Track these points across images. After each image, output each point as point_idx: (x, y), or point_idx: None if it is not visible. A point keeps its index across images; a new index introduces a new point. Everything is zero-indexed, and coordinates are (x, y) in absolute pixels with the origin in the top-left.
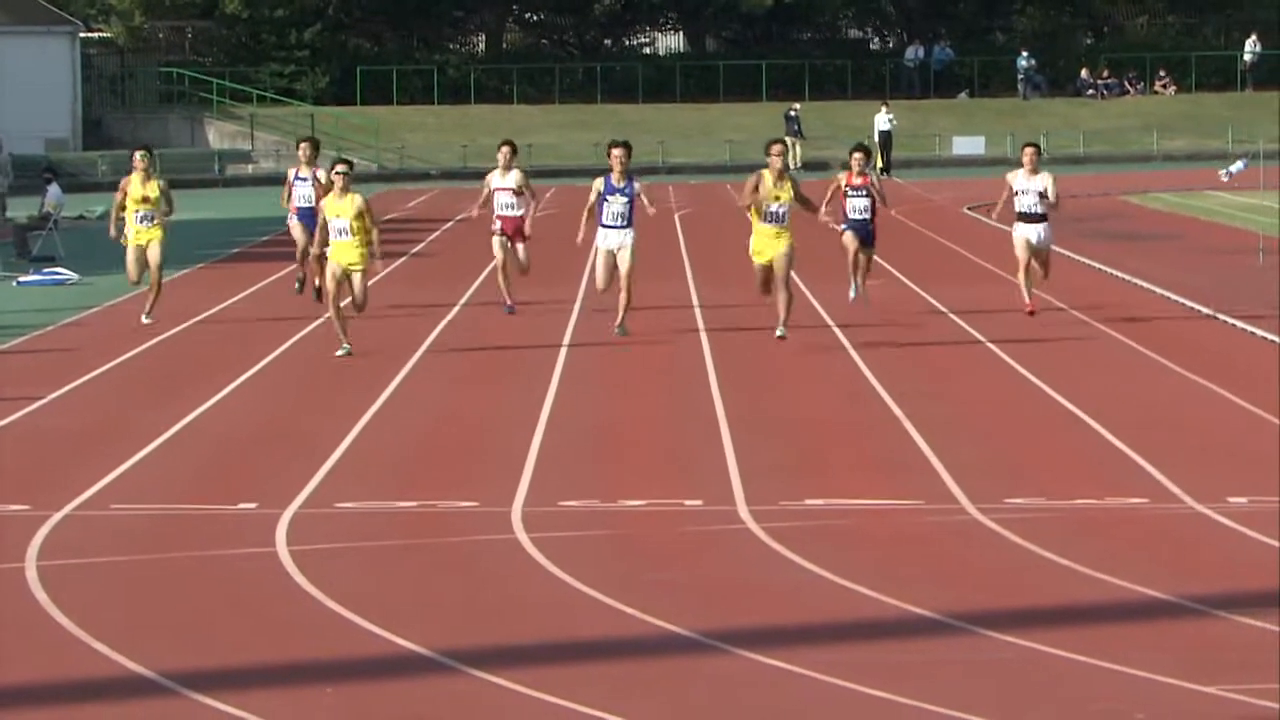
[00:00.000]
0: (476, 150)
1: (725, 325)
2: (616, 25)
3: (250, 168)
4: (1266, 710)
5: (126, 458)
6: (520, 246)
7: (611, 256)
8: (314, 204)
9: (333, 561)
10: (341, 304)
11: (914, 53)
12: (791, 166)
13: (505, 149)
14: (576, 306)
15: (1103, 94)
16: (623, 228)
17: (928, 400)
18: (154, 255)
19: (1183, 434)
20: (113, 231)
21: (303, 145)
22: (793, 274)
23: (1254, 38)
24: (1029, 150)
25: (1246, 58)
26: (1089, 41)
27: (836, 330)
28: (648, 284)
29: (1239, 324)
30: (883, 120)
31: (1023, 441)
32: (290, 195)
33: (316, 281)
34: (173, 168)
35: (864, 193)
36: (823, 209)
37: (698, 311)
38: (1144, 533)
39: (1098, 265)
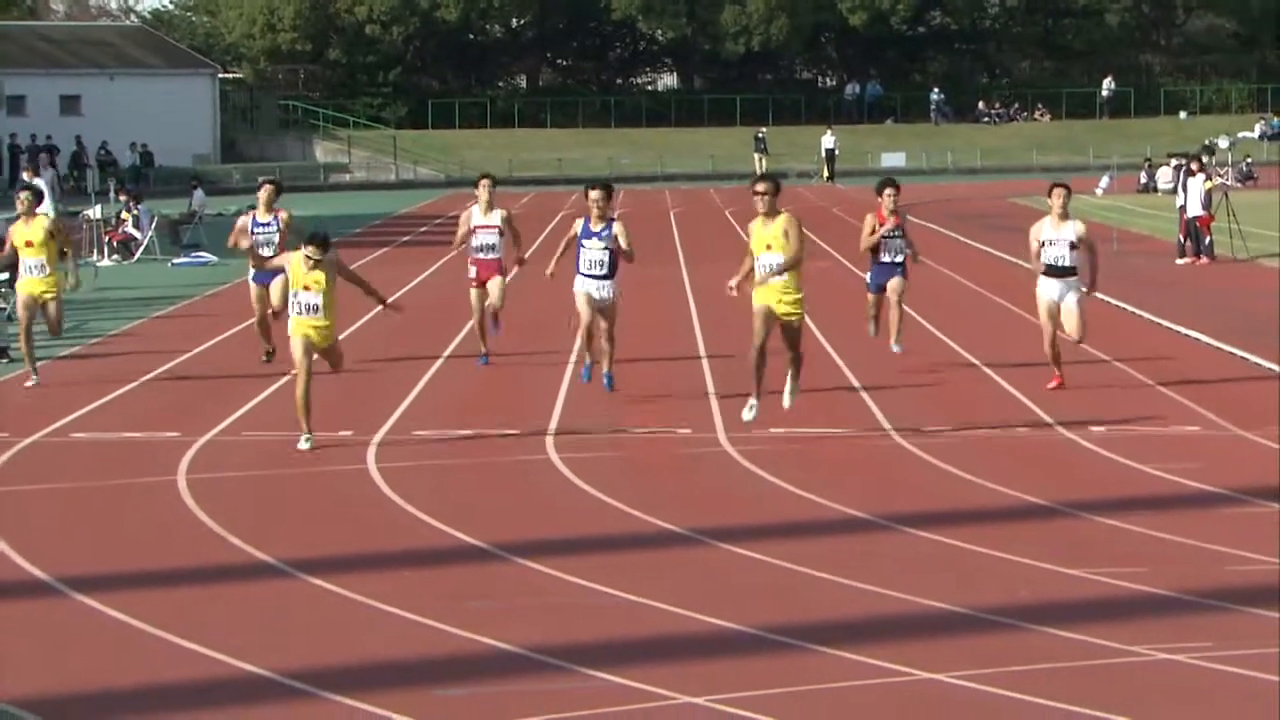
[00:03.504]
0: (519, 163)
1: (709, 295)
2: (626, 68)
3: (347, 176)
4: (1121, 588)
5: (253, 396)
6: (496, 280)
7: (592, 300)
8: (277, 253)
9: (410, 475)
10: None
11: (852, 89)
12: (758, 174)
13: (485, 182)
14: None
15: (995, 120)
16: (601, 277)
17: (866, 354)
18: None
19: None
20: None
21: (266, 187)
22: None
23: (1110, 78)
24: (1058, 192)
25: (1104, 93)
26: (984, 80)
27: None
28: (647, 267)
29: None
30: (828, 140)
31: (940, 383)
32: (247, 243)
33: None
34: (288, 177)
35: (898, 234)
36: (864, 244)
37: (687, 285)
38: (1027, 453)
39: (987, 249)
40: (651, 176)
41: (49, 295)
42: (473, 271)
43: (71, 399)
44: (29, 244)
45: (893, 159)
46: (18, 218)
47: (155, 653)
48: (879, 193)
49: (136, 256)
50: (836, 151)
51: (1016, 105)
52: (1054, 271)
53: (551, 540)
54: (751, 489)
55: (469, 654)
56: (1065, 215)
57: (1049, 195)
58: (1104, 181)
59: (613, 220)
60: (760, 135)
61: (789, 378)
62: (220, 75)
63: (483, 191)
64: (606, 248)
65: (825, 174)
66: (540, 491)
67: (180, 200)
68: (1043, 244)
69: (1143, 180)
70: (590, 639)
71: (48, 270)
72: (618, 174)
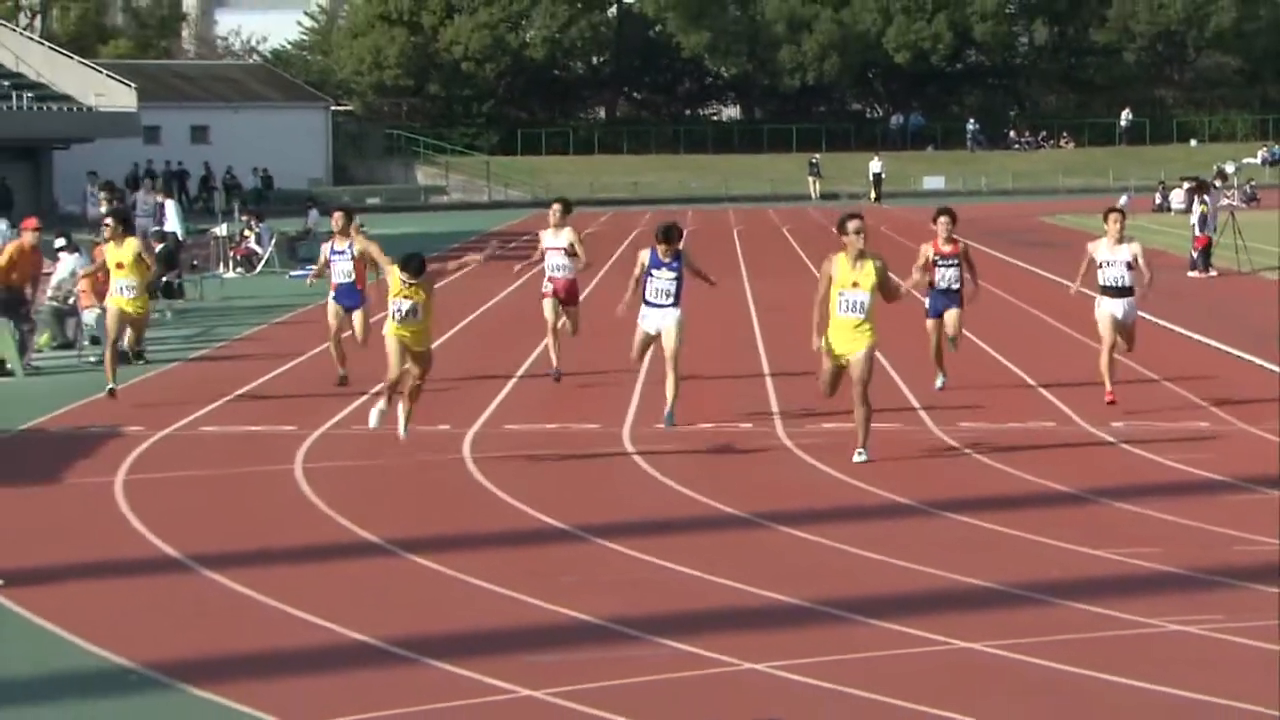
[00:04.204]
0: (599, 186)
1: (770, 306)
2: (694, 100)
3: (445, 198)
4: (1139, 567)
5: (360, 395)
6: (572, 309)
7: (649, 339)
8: (354, 279)
9: (501, 465)
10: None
11: (896, 119)
12: (813, 196)
13: (557, 206)
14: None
15: (1025, 147)
16: (667, 306)
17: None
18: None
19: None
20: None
21: (336, 215)
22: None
23: (1128, 110)
24: (1114, 217)
25: (1122, 123)
26: (1015, 112)
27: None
28: (712, 275)
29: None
30: (875, 165)
31: (973, 379)
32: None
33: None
34: (393, 198)
35: (954, 262)
36: (914, 276)
37: (749, 298)
38: (1055, 446)
39: (1020, 263)
40: (716, 198)
41: (138, 313)
42: (549, 287)
43: (200, 396)
44: (120, 265)
45: (933, 182)
46: (107, 241)
47: (274, 622)
48: (934, 221)
49: (258, 269)
50: (883, 175)
51: (1044, 134)
52: (1113, 291)
53: (627, 523)
54: (807, 478)
55: (555, 624)
56: (1121, 239)
57: (1105, 220)
58: (1122, 200)
59: (681, 256)
60: (814, 161)
61: (862, 431)
62: (332, 108)
63: (551, 215)
64: (676, 278)
65: (873, 195)
66: (617, 480)
67: (297, 219)
68: (1100, 264)
69: (1157, 201)
70: (662, 611)
71: (136, 290)
72: (686, 195)
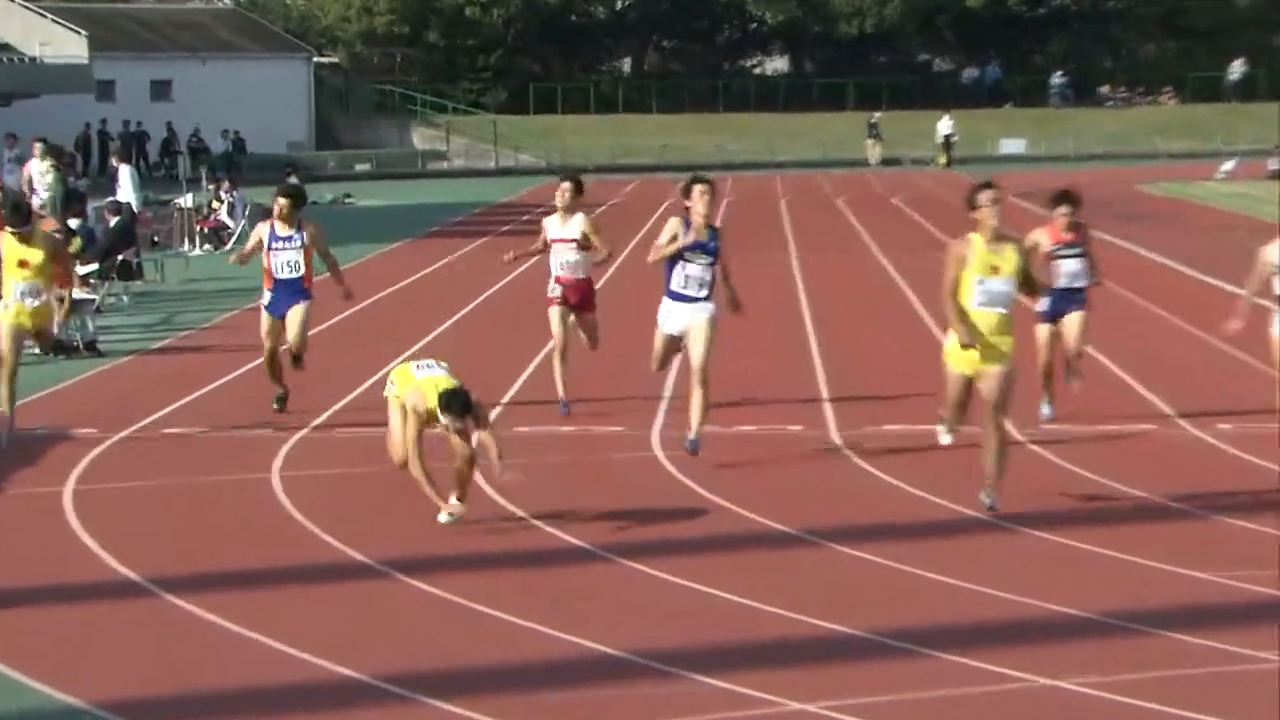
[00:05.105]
0: (623, 149)
1: (821, 286)
2: (734, 50)
3: (446, 164)
4: (1251, 592)
5: (349, 391)
6: (588, 317)
7: (673, 342)
8: (302, 274)
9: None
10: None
11: (969, 72)
12: (871, 162)
13: (566, 186)
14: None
15: (1117, 104)
16: (696, 300)
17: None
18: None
19: (1177, 370)
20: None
21: (280, 201)
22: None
23: (1240, 60)
24: None
25: (1232, 76)
26: (1108, 64)
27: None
28: (756, 251)
29: (1215, 282)
30: (945, 126)
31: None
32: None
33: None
34: (386, 164)
35: (1077, 250)
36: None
37: (798, 278)
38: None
39: (1117, 241)
40: (760, 163)
41: (41, 325)
42: (556, 290)
43: (162, 393)
44: (23, 263)
45: (1012, 145)
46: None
47: (247, 655)
48: (1052, 209)
49: (229, 246)
50: (954, 138)
51: (1140, 88)
52: None
53: (656, 540)
54: (865, 487)
55: (573, 657)
56: None
57: None
58: (1227, 165)
59: (717, 232)
60: (874, 120)
61: (993, 467)
62: (315, 59)
63: (559, 196)
64: (711, 263)
65: (944, 160)
66: (645, 489)
67: (274, 188)
68: (1277, 272)
69: (1272, 167)
70: (698, 642)
71: (42, 298)
72: (725, 161)
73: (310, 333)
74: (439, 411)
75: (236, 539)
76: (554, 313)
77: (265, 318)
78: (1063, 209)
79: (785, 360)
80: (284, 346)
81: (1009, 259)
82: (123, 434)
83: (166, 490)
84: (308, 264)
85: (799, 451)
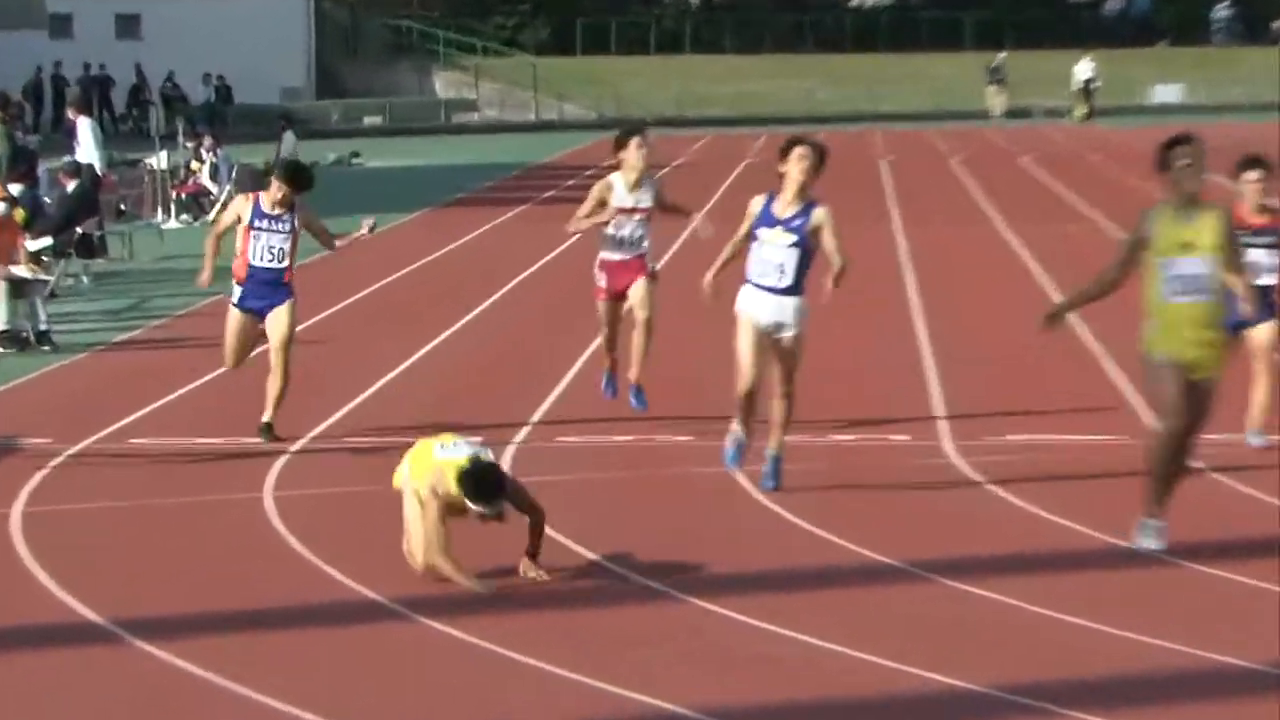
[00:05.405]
0: (689, 98)
1: (932, 267)
2: None
3: (475, 116)
4: None
5: (358, 393)
6: (641, 289)
7: (764, 336)
8: (285, 265)
9: (553, 491)
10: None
11: (1114, 4)
12: (994, 113)
13: (636, 141)
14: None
15: None
16: (784, 293)
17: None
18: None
19: None
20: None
21: (279, 183)
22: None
23: None
24: None
25: None
26: None
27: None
28: (850, 223)
29: None
30: (1084, 69)
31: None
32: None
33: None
34: (402, 116)
35: (1269, 238)
36: None
37: (903, 255)
38: None
39: None
40: (856, 116)
41: None
42: (601, 280)
43: (129, 396)
44: None
45: (1167, 92)
46: None
47: (232, 712)
48: (1236, 176)
49: (211, 215)
50: (1096, 83)
51: None
52: None
53: (729, 575)
54: (986, 512)
55: (627, 716)
56: None
57: None
58: None
59: (814, 205)
60: (997, 64)
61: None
62: None
63: (632, 153)
64: (798, 244)
65: (1083, 110)
66: (717, 513)
67: (266, 146)
68: None
69: None
70: (780, 699)
71: None
72: (814, 113)
73: (300, 327)
74: (465, 499)
75: (220, 573)
76: (604, 307)
77: (233, 314)
78: (1253, 175)
79: (888, 358)
80: (258, 350)
81: (1207, 230)
82: (82, 444)
83: (134, 513)
84: (293, 253)
85: (906, 467)
